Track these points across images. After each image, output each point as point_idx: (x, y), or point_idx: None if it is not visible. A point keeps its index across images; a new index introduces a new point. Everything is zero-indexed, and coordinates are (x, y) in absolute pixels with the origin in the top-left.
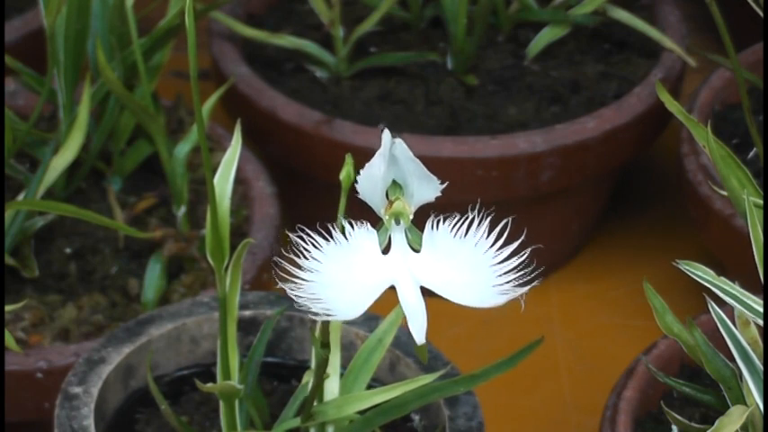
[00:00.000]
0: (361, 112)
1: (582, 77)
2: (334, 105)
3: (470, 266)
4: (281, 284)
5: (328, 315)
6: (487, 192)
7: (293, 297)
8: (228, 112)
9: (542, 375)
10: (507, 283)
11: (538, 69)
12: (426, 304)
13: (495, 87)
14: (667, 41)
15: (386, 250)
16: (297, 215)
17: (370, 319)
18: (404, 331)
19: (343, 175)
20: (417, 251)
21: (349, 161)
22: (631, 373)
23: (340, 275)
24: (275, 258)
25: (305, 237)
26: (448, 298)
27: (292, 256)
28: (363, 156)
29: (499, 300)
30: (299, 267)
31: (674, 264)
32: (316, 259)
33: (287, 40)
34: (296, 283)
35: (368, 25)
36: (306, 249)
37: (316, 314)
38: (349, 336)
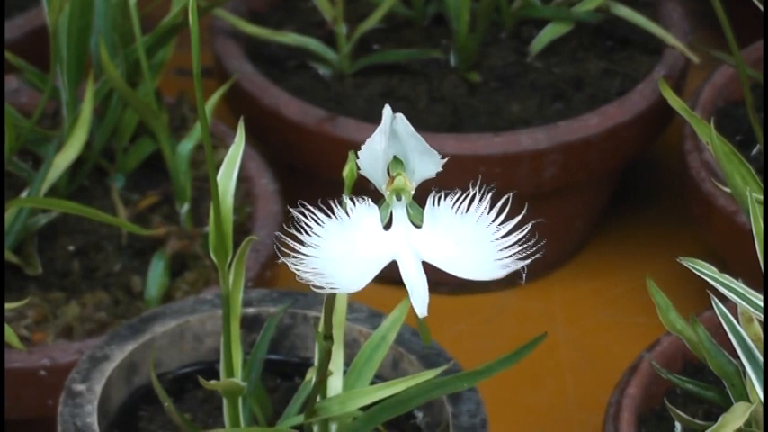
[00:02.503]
0: (364, 109)
1: (585, 74)
2: (337, 103)
3: (472, 241)
4: (283, 259)
5: (331, 288)
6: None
7: (295, 271)
8: (231, 109)
9: (545, 372)
10: (509, 257)
11: (541, 66)
12: (429, 299)
13: (498, 84)
14: (670, 38)
15: (387, 226)
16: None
17: (374, 316)
18: (407, 328)
19: (345, 172)
20: (419, 227)
21: (352, 158)
22: (634, 370)
23: (342, 250)
24: (277, 233)
25: (307, 213)
26: (450, 272)
27: (294, 232)
28: None
29: (500, 272)
30: (302, 243)
31: (678, 260)
32: (318, 235)
33: (290, 38)
34: (298, 258)
35: (371, 22)
36: (308, 225)
37: (318, 287)
38: (352, 333)
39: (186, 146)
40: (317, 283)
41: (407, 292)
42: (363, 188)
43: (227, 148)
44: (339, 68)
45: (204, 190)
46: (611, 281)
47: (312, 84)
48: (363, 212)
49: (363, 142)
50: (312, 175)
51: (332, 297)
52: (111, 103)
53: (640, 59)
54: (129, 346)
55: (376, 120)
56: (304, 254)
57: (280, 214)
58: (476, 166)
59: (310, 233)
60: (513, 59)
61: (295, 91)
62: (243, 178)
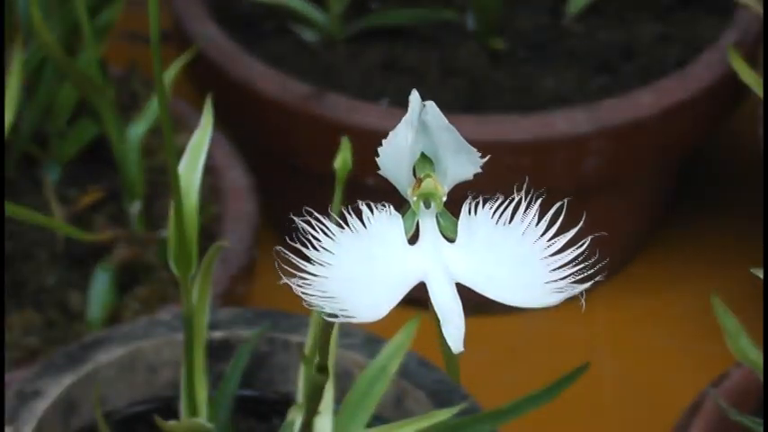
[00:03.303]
0: (359, 83)
1: (636, 41)
2: (326, 75)
3: (517, 259)
4: (285, 280)
5: (345, 316)
6: (518, 183)
7: (302, 295)
8: (194, 83)
9: (586, 413)
10: (563, 278)
11: (581, 31)
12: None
13: (528, 53)
14: None
15: (413, 240)
16: (279, 213)
17: (371, 341)
18: (413, 357)
19: (337, 163)
20: (451, 240)
21: (345, 145)
22: (697, 409)
23: (358, 270)
24: (278, 248)
25: (315, 223)
26: (490, 296)
27: (299, 245)
28: (362, 139)
29: (554, 299)
30: (308, 260)
31: (750, 272)
32: (328, 250)
33: None
34: (304, 278)
35: None
36: (316, 238)
37: (331, 316)
38: (345, 363)
39: (138, 129)
40: (329, 310)
41: (437, 320)
42: (359, 183)
43: (189, 132)
44: (328, 32)
45: (160, 184)
46: (667, 299)
47: (294, 52)
48: (384, 223)
49: (358, 125)
50: (294, 165)
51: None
52: (43, 76)
53: (705, 21)
54: (67, 380)
55: (373, 97)
56: (312, 273)
57: (254, 215)
58: (499, 155)
59: (319, 248)
60: (547, 22)
61: (273, 60)
62: (209, 170)
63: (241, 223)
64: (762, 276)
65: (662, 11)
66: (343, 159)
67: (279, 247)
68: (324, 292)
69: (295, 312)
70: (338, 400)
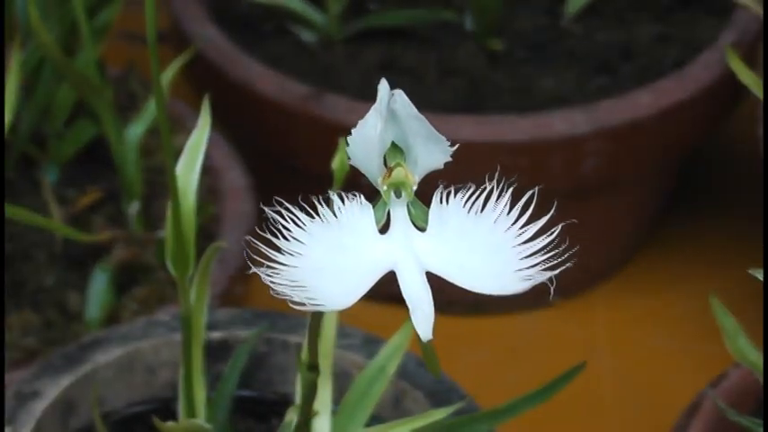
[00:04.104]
0: (358, 84)
1: (634, 41)
2: (324, 76)
3: (488, 247)
4: (254, 269)
5: (314, 305)
6: (517, 184)
7: (270, 284)
8: (193, 84)
9: (584, 412)
10: (533, 266)
11: (579, 31)
12: (439, 323)
13: (526, 54)
14: None
15: (384, 229)
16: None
17: (370, 342)
18: (412, 357)
19: (335, 164)
20: (422, 230)
21: (343, 146)
22: (695, 409)
23: (328, 258)
24: (248, 237)
25: (285, 212)
26: (459, 284)
27: (269, 235)
28: None
29: (522, 285)
30: (279, 250)
31: (749, 273)
32: (298, 239)
33: None
34: (274, 267)
35: None
36: (286, 227)
37: (299, 304)
38: (343, 363)
39: (136, 130)
40: (297, 299)
41: (408, 309)
42: (356, 183)
43: (187, 132)
44: (327, 33)
45: (159, 185)
46: (666, 299)
47: (293, 52)
48: (355, 212)
49: (356, 125)
50: (292, 166)
51: (318, 317)
52: (42, 76)
53: (704, 22)
54: (65, 381)
55: (372, 98)
56: (281, 263)
57: (252, 215)
58: (497, 156)
59: (289, 237)
60: (545, 22)
61: (272, 61)
62: (207, 170)
63: (239, 224)
64: (760, 278)
65: (660, 11)
66: (340, 160)
67: (248, 237)
68: (294, 281)
69: (293, 313)
70: (337, 400)
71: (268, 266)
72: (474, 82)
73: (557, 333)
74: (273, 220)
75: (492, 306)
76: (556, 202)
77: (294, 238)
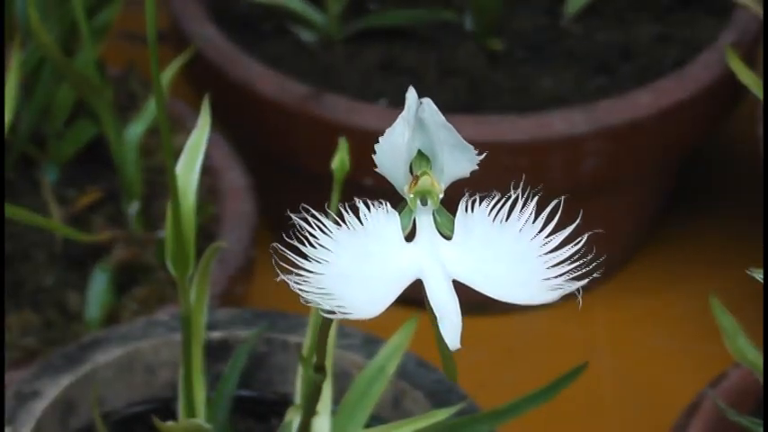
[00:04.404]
0: (358, 84)
1: (634, 41)
2: (324, 76)
3: (514, 256)
4: (282, 277)
5: (342, 313)
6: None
7: (299, 292)
8: (192, 84)
9: (584, 413)
10: (561, 275)
11: (579, 31)
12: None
13: (526, 54)
14: None
15: (410, 237)
16: (277, 213)
17: (369, 342)
18: (411, 357)
19: (335, 164)
20: (448, 238)
21: (343, 146)
22: (695, 409)
23: (355, 267)
24: (275, 245)
25: (312, 221)
26: (487, 293)
27: (296, 243)
28: (360, 139)
29: (551, 296)
30: (305, 257)
31: (749, 273)
32: (325, 247)
33: None
34: (301, 275)
35: None
36: (314, 236)
37: (328, 312)
38: (343, 363)
39: (136, 129)
40: (326, 307)
41: (434, 318)
42: (357, 184)
43: (187, 132)
44: (327, 33)
45: (158, 185)
46: (666, 299)
47: (293, 52)
48: (381, 220)
49: (356, 125)
50: (292, 166)
51: (328, 320)
52: (41, 76)
53: (703, 22)
54: (65, 380)
55: (372, 98)
56: (309, 270)
57: (252, 215)
58: (497, 156)
59: (316, 245)
60: (545, 22)
61: (271, 61)
62: (207, 170)
63: (239, 224)
64: (760, 278)
65: (660, 11)
66: (340, 160)
67: (276, 244)
68: (321, 288)
69: (293, 313)
70: (336, 400)
71: (296, 274)
72: (474, 82)
73: (556, 333)
74: (300, 227)
75: (492, 306)
76: (582, 211)
77: (321, 246)
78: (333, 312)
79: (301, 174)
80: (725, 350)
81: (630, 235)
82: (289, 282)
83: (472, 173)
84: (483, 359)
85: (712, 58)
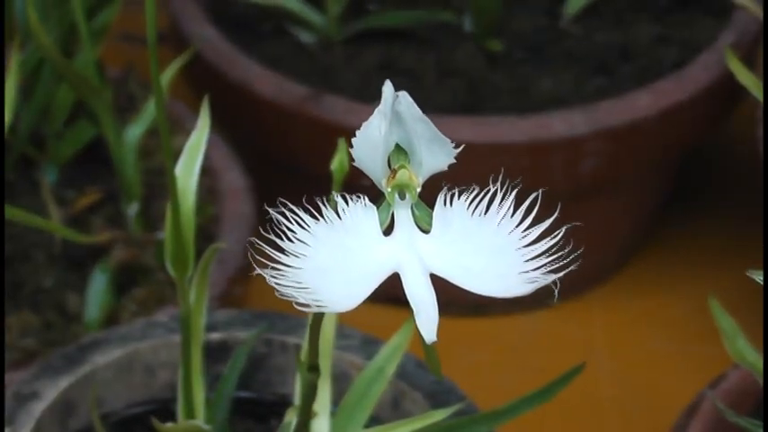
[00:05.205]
0: (357, 85)
1: (633, 42)
2: (323, 77)
3: (492, 249)
4: (259, 271)
5: (318, 306)
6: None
7: (275, 285)
8: (191, 85)
9: (582, 413)
10: (537, 269)
11: (578, 32)
12: (438, 320)
13: (525, 55)
14: None
15: (388, 231)
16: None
17: (369, 343)
18: (410, 358)
19: (334, 165)
20: (426, 231)
21: (342, 147)
22: (694, 410)
23: (332, 260)
24: (251, 239)
25: (289, 214)
26: (464, 286)
27: (273, 237)
28: None
29: (527, 288)
30: (282, 251)
31: (748, 274)
32: (303, 241)
33: None
34: (278, 269)
35: None
36: (291, 229)
37: (303, 305)
38: (342, 364)
39: (135, 131)
40: (302, 300)
41: (412, 312)
42: (355, 184)
43: (186, 133)
44: (326, 34)
45: (157, 186)
46: (665, 300)
47: (292, 53)
48: (359, 214)
49: (355, 126)
50: (291, 167)
51: (319, 318)
52: (40, 77)
53: (703, 23)
54: (64, 382)
55: (371, 99)
56: (285, 264)
57: (251, 216)
58: (497, 157)
59: (293, 239)
60: (544, 23)
61: (270, 62)
62: (206, 171)
63: (238, 225)
64: (759, 279)
65: (659, 12)
66: (339, 161)
67: (252, 239)
68: (298, 282)
69: (292, 314)
70: (336, 401)
71: (272, 268)
72: (473, 83)
73: (555, 334)
74: (277, 221)
75: (490, 307)
76: (560, 206)
77: (298, 240)
78: (308, 306)
79: (300, 174)
80: (724, 351)
81: (629, 236)
82: (265, 276)
83: (471, 173)
84: (482, 360)
85: (712, 59)
